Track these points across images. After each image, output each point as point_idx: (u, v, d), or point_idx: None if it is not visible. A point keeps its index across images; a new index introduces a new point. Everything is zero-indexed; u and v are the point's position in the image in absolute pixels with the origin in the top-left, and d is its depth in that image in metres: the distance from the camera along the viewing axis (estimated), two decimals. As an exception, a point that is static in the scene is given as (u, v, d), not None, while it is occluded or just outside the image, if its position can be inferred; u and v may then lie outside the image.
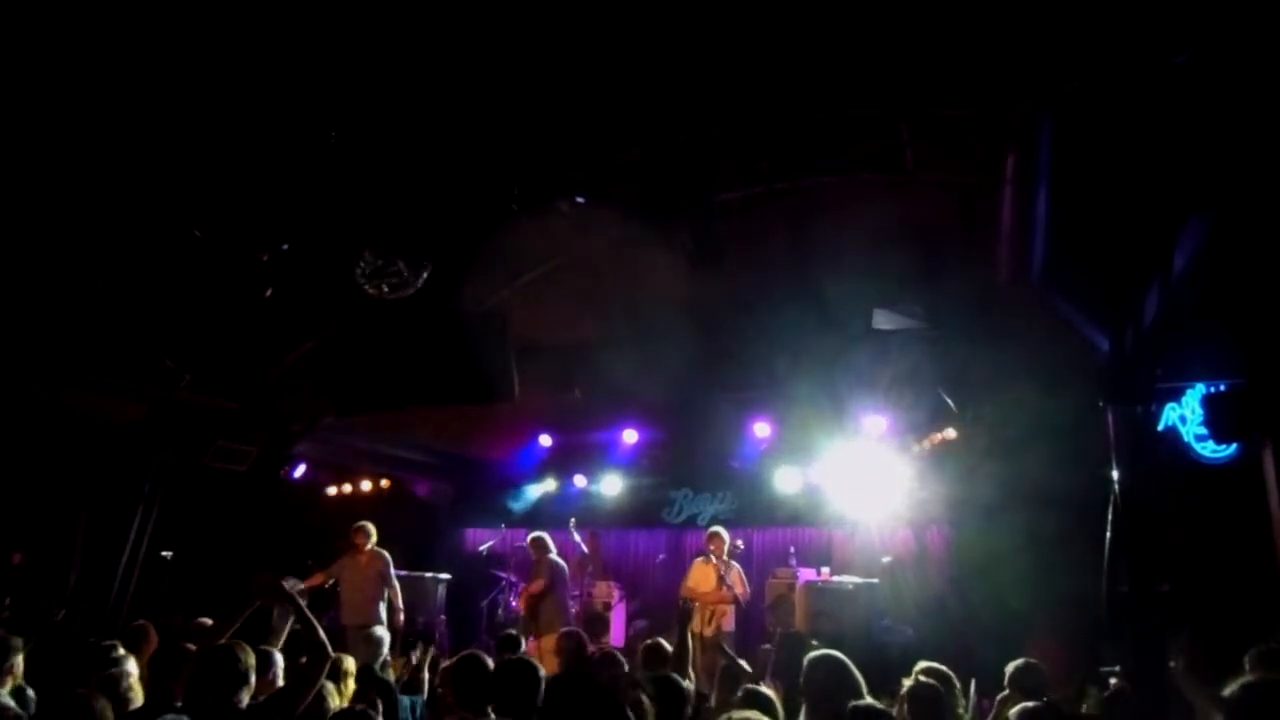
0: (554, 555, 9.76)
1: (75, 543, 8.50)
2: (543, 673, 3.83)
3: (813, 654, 4.39)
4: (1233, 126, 4.73)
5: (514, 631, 6.82)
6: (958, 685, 4.89)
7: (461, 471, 13.46)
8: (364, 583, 8.94)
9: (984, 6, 4.33)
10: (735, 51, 4.83)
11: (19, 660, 4.60)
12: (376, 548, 9.19)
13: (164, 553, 9.56)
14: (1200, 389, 7.95)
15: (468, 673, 4.08)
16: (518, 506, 13.19)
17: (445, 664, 6.09)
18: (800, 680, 4.31)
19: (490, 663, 4.13)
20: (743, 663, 5.86)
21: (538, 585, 9.48)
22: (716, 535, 9.35)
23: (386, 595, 8.94)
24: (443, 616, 11.09)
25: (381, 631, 6.54)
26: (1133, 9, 4.23)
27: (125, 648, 5.58)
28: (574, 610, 10.17)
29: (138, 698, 4.46)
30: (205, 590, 8.85)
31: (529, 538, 10.03)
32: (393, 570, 9.13)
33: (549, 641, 9.01)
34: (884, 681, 4.71)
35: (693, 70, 4.97)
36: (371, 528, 9.23)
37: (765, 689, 4.57)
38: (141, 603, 8.47)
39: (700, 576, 9.28)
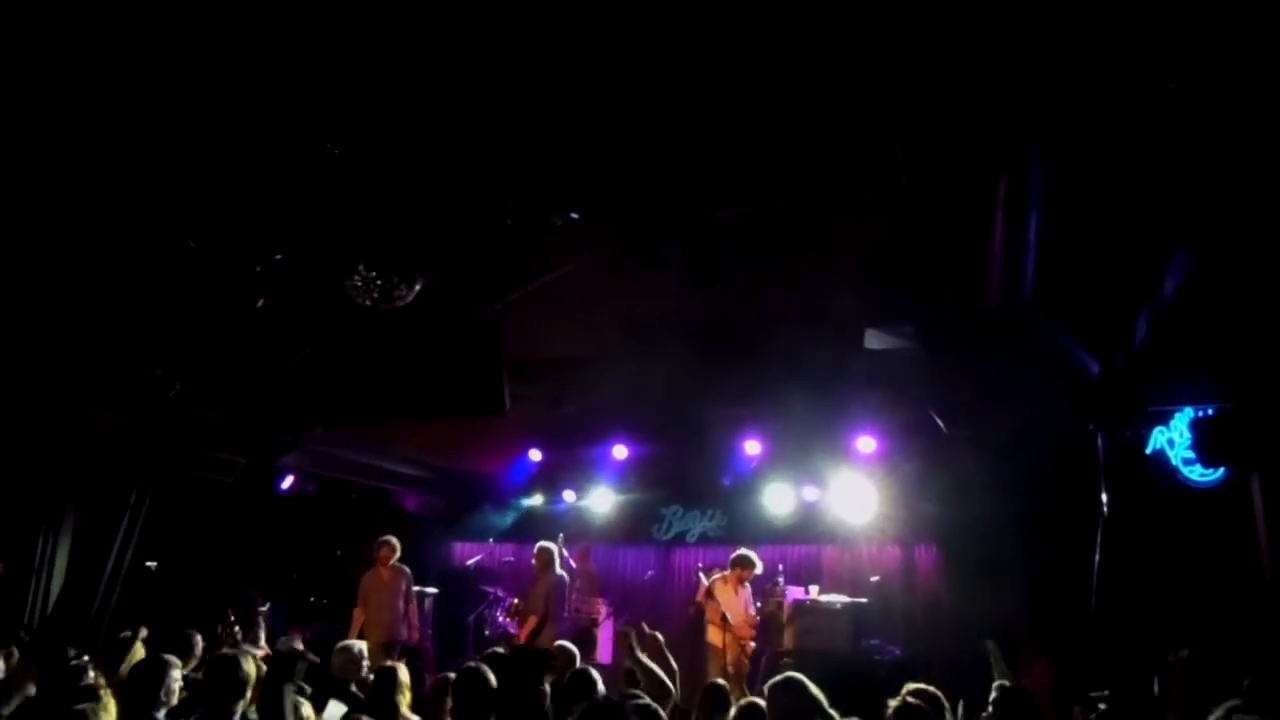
0: (557, 571, 9.66)
1: (59, 552, 8.42)
2: (548, 690, 3.85)
3: (772, 680, 4.38)
4: (1222, 154, 4.79)
5: (501, 650, 6.73)
6: (946, 706, 4.87)
7: (450, 485, 13.40)
8: (390, 599, 8.93)
9: (977, 32, 4.38)
10: (731, 70, 4.86)
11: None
12: (398, 564, 9.18)
13: (149, 563, 9.49)
14: (1188, 413, 7.99)
15: (470, 687, 4.07)
16: (506, 521, 13.14)
17: (432, 678, 6.05)
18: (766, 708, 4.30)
19: (492, 678, 4.12)
20: (722, 681, 5.84)
21: (533, 621, 9.31)
22: (750, 561, 9.22)
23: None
24: (429, 631, 11.03)
25: (360, 646, 6.48)
26: (1124, 37, 4.28)
27: (108, 660, 5.54)
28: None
29: (110, 711, 4.42)
30: (189, 602, 8.79)
31: (536, 547, 9.89)
32: (413, 588, 9.12)
33: None
34: (871, 702, 4.69)
35: (689, 88, 4.99)
36: (396, 542, 9.20)
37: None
38: (124, 614, 8.39)
39: (729, 601, 9.15)
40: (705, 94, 5.06)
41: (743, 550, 9.51)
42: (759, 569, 9.32)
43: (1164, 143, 4.76)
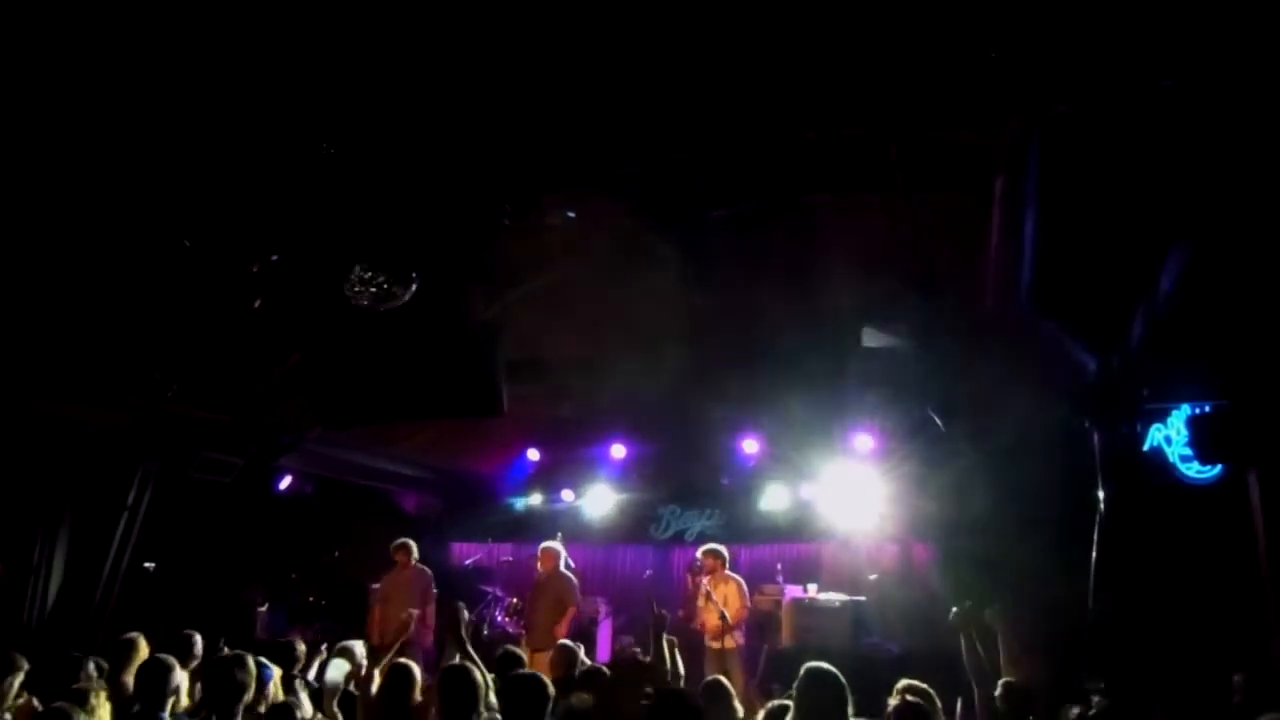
0: (564, 570, 9.67)
1: (56, 554, 8.42)
2: (551, 690, 3.87)
3: (809, 664, 4.34)
4: (1219, 151, 4.79)
5: (513, 648, 6.68)
6: (939, 704, 4.88)
7: (449, 485, 13.40)
8: (410, 600, 8.99)
9: (973, 30, 4.39)
10: (730, 71, 4.87)
11: (18, 681, 4.57)
12: (420, 564, 9.25)
13: (146, 564, 9.49)
14: (1185, 410, 7.99)
15: (458, 685, 4.08)
16: (504, 521, 13.14)
17: (432, 680, 6.03)
18: (793, 689, 4.29)
19: (477, 675, 4.13)
20: (722, 679, 5.83)
21: (573, 612, 9.23)
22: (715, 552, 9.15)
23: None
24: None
25: (357, 646, 6.44)
26: (1120, 34, 4.29)
27: (112, 661, 5.54)
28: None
29: (104, 712, 4.42)
30: (188, 603, 8.80)
31: (540, 548, 9.84)
32: (434, 589, 9.18)
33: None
34: (869, 700, 4.70)
35: (688, 88, 5.00)
36: (413, 544, 9.27)
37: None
38: (123, 615, 8.38)
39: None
40: (705, 94, 5.07)
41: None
42: (726, 557, 9.20)
43: (1160, 140, 4.77)
